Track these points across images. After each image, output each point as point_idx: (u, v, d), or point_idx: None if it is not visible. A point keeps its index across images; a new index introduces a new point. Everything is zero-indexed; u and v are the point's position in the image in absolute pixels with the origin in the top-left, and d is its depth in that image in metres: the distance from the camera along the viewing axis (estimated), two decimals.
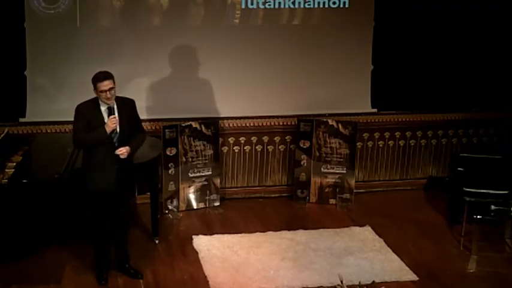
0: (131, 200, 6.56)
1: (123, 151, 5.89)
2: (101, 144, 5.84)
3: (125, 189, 6.15)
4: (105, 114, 5.85)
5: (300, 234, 7.15)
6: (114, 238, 6.25)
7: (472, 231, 6.80)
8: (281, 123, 8.03)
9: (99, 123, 5.82)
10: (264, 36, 7.77)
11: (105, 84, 5.76)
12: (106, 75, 5.79)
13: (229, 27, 7.71)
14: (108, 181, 5.87)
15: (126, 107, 5.96)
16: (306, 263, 6.58)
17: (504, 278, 6.46)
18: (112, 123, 5.81)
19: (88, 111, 5.85)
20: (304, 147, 7.99)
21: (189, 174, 7.74)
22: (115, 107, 5.87)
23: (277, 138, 8.07)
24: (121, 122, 5.87)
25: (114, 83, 5.82)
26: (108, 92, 5.77)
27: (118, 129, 5.87)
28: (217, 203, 7.87)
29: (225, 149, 7.97)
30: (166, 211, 7.64)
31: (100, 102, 5.85)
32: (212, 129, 7.75)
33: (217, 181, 7.88)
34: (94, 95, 5.95)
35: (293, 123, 8.00)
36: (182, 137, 7.63)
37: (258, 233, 7.16)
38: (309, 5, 7.78)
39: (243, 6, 7.67)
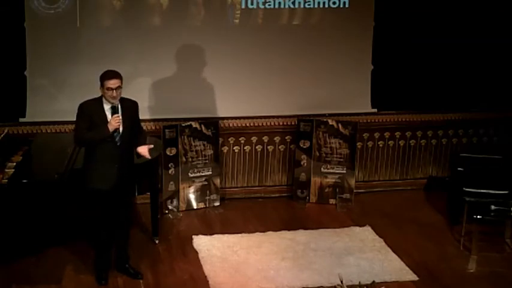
0: (132, 200, 6.57)
1: (145, 152, 5.98)
2: (103, 143, 5.84)
3: (126, 189, 6.15)
4: (108, 113, 5.85)
5: (300, 234, 7.15)
6: (115, 238, 6.25)
7: (472, 231, 6.80)
8: (281, 123, 8.03)
9: (102, 121, 5.83)
10: (264, 36, 7.77)
11: (113, 83, 5.77)
12: (114, 74, 5.82)
13: (229, 27, 7.71)
14: (108, 180, 5.87)
15: (129, 107, 5.97)
16: (306, 263, 6.58)
17: (504, 278, 6.46)
18: (116, 122, 5.82)
19: (91, 110, 5.85)
20: (304, 147, 7.99)
21: (189, 174, 7.74)
22: (119, 106, 5.88)
23: (277, 138, 8.07)
24: (124, 122, 5.87)
25: (121, 82, 5.84)
26: (114, 91, 5.78)
27: (121, 129, 5.88)
28: (217, 203, 7.87)
29: (225, 149, 7.97)
30: (166, 211, 7.64)
31: (104, 101, 5.86)
32: (212, 129, 7.75)
33: (217, 181, 7.88)
34: (94, 95, 5.96)
35: (293, 123, 8.00)
36: (182, 137, 7.63)
37: (258, 233, 7.16)
38: (309, 5, 7.78)
39: (243, 6, 7.67)
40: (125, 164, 5.95)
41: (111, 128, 5.82)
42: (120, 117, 5.85)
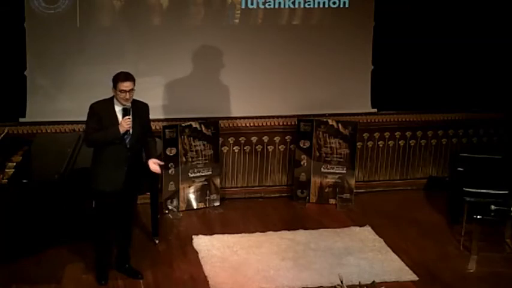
0: (136, 202, 6.59)
1: (157, 169, 6.00)
2: (112, 144, 5.83)
3: (132, 190, 6.15)
4: (119, 115, 5.85)
5: (300, 234, 7.15)
6: (116, 238, 6.25)
7: (472, 231, 6.79)
8: (281, 123, 8.03)
9: (112, 123, 5.82)
10: (264, 36, 7.77)
11: (126, 85, 5.78)
12: (128, 76, 5.82)
13: (229, 27, 7.71)
14: (115, 182, 5.87)
15: (140, 110, 5.97)
16: (306, 263, 6.58)
17: (504, 278, 6.46)
18: (126, 123, 5.81)
19: (102, 110, 5.85)
20: (304, 147, 7.99)
21: (189, 174, 7.74)
22: (130, 108, 5.88)
23: (277, 138, 8.07)
24: (134, 124, 5.87)
25: (134, 84, 5.84)
26: (128, 93, 5.79)
27: (131, 131, 5.87)
28: (217, 203, 7.87)
29: (225, 149, 7.97)
30: (166, 211, 7.64)
31: (115, 102, 5.86)
32: (212, 129, 7.75)
33: (217, 181, 7.88)
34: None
35: (293, 123, 8.00)
36: (182, 137, 7.63)
37: (258, 233, 7.16)
38: (309, 5, 7.78)
39: (243, 6, 7.67)
40: (133, 167, 5.95)
41: (121, 129, 5.81)
42: (131, 119, 5.85)
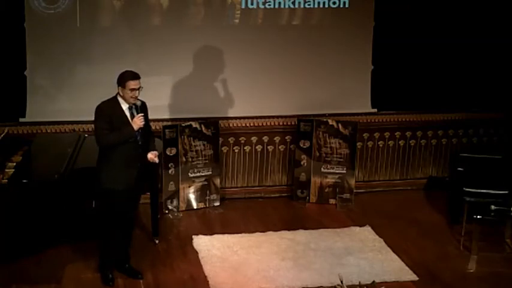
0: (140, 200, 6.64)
1: (155, 158, 6.03)
2: (126, 143, 5.85)
3: (140, 189, 6.17)
4: (127, 113, 5.87)
5: (300, 234, 7.15)
6: (117, 238, 6.25)
7: (472, 231, 6.79)
8: (281, 123, 8.03)
9: (122, 121, 5.83)
10: (264, 36, 7.78)
11: (136, 83, 5.81)
12: (136, 74, 5.84)
13: (229, 27, 7.71)
14: (129, 179, 5.89)
15: (142, 106, 5.99)
16: (306, 263, 6.58)
17: (504, 278, 6.46)
18: (140, 121, 5.85)
19: (110, 110, 5.85)
20: (304, 147, 7.99)
21: (189, 174, 7.74)
22: (139, 106, 5.91)
23: (277, 138, 8.07)
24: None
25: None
26: (137, 91, 5.82)
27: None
28: (217, 203, 7.87)
29: (225, 149, 7.97)
30: (166, 211, 7.64)
31: (120, 101, 5.87)
32: (212, 129, 7.75)
33: (217, 181, 7.88)
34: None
35: (293, 123, 8.01)
36: (182, 137, 7.64)
37: (258, 233, 7.16)
38: (309, 5, 7.78)
39: (243, 6, 7.67)
40: (144, 163, 5.99)
41: (136, 127, 5.85)
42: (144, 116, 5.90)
